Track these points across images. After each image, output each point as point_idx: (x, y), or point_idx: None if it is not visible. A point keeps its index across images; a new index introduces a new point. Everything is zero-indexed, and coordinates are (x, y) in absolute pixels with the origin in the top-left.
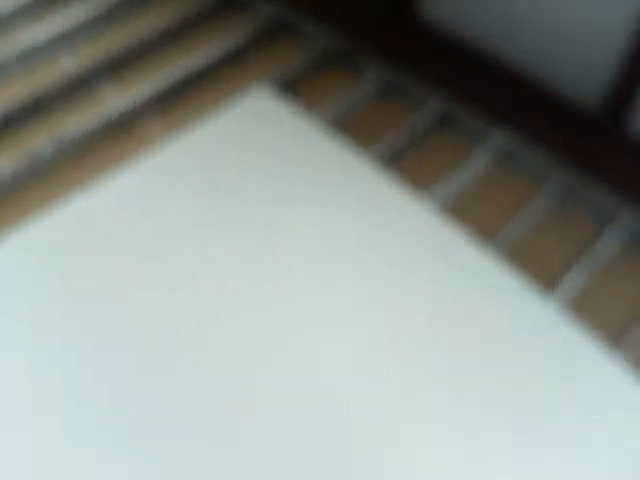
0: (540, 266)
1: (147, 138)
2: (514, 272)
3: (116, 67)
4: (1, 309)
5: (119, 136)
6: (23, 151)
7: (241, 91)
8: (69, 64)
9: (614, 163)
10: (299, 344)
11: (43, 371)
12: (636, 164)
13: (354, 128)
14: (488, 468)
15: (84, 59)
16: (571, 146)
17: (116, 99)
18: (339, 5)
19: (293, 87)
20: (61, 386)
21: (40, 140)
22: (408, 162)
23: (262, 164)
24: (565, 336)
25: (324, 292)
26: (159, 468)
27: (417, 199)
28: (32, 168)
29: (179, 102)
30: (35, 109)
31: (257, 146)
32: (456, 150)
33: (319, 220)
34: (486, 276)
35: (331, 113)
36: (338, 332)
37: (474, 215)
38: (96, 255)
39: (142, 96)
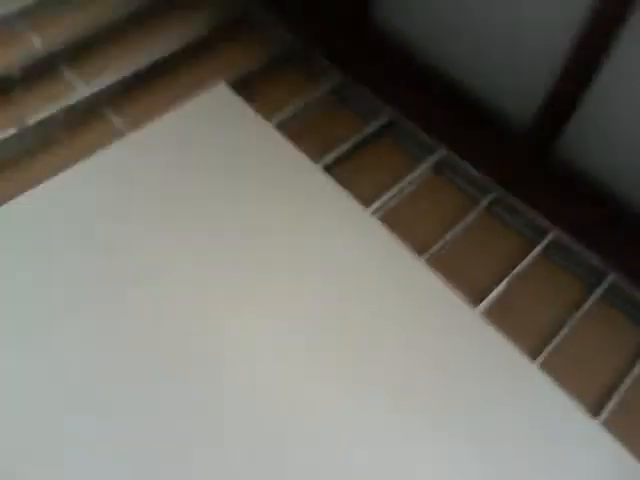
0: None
1: (107, 129)
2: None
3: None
4: None
5: (80, 126)
6: None
7: (202, 87)
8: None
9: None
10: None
11: None
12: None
13: (305, 131)
14: None
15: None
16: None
17: (78, 86)
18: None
19: (251, 86)
20: None
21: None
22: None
23: (216, 160)
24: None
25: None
26: None
27: (355, 204)
28: None
29: (139, 96)
30: None
31: (213, 142)
32: (399, 159)
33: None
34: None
35: (285, 115)
36: None
37: None
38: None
39: (105, 85)
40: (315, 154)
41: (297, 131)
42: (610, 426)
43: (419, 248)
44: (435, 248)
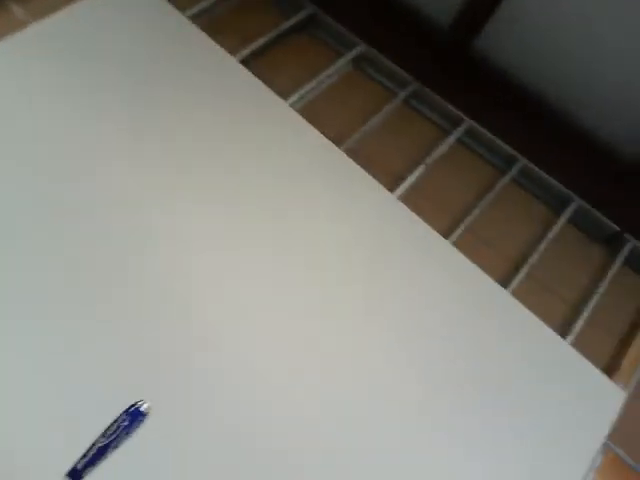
0: None
1: (13, 20)
2: None
3: None
4: None
5: None
6: None
7: None
8: None
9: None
10: None
11: None
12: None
13: (220, 26)
14: None
15: None
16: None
17: None
18: None
19: None
20: None
21: None
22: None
23: (128, 52)
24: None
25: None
26: None
27: (273, 97)
28: None
29: None
30: None
31: (124, 34)
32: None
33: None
34: None
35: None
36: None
37: None
38: None
39: None
40: (231, 48)
41: (212, 25)
42: (518, 296)
43: (337, 139)
44: (353, 138)
